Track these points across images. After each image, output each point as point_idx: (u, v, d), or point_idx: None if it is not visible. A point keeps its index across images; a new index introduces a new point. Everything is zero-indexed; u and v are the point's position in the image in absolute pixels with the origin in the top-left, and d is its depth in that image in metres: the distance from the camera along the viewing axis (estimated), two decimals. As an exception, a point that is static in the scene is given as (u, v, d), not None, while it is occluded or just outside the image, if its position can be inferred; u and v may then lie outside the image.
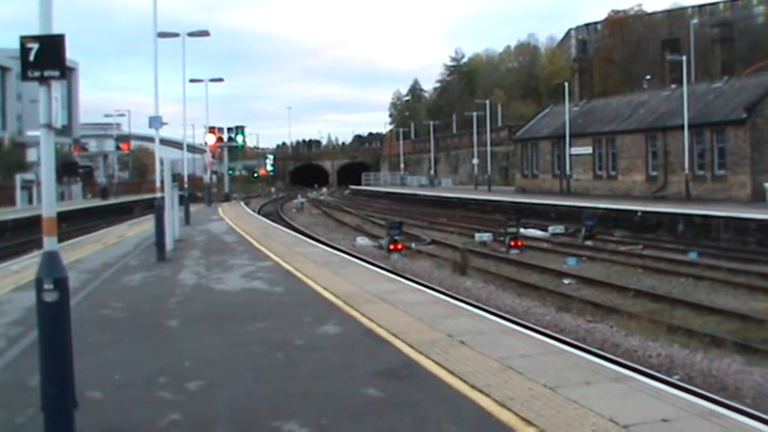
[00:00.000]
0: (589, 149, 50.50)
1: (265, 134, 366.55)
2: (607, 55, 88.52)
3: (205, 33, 31.50)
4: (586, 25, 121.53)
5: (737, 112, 38.26)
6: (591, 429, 5.69)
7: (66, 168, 61.35)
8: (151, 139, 26.46)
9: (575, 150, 51.36)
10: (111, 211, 52.11)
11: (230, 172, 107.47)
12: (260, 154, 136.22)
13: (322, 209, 57.83)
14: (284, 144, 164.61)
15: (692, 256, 23.25)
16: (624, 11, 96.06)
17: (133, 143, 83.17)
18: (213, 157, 60.10)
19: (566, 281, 19.29)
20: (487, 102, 73.20)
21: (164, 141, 25.58)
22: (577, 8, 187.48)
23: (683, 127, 39.55)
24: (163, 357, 8.52)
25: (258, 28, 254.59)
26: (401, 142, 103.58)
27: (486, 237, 28.23)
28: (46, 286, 5.36)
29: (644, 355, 11.56)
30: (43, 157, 5.72)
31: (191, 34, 31.30)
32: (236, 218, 37.30)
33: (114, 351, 8.92)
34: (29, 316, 9.77)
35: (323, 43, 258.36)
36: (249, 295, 13.09)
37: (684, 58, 42.77)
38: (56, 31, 5.56)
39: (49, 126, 5.56)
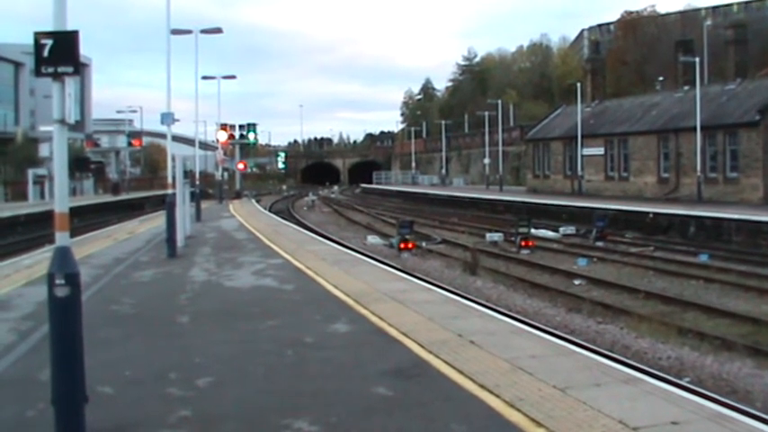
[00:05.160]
0: (601, 150, 50.35)
1: (277, 131, 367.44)
2: (620, 56, 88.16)
3: (218, 30, 31.52)
4: (599, 26, 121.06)
5: (750, 114, 38.04)
6: (600, 431, 5.68)
7: (79, 164, 61.57)
8: (163, 136, 26.56)
9: (586, 151, 51.21)
10: (123, 207, 52.33)
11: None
12: (271, 152, 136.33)
13: (333, 207, 57.87)
14: (296, 142, 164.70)
15: (704, 258, 23.14)
16: (637, 12, 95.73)
17: (145, 139, 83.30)
18: (225, 154, 60.13)
19: (576, 282, 19.25)
20: (499, 101, 73.01)
21: (175, 138, 25.64)
22: (590, 9, 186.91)
23: (695, 129, 39.36)
24: (173, 354, 8.55)
25: (272, 24, 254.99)
26: (413, 141, 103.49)
27: (497, 237, 28.18)
28: (57, 281, 5.39)
29: (654, 357, 11.52)
30: (56, 152, 5.74)
31: (203, 31, 31.31)
32: (247, 215, 37.38)
33: (125, 347, 8.95)
34: (40, 311, 9.81)
35: (337, 40, 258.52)
36: (259, 292, 13.11)
37: (697, 59, 42.55)
38: (70, 26, 5.58)
39: (62, 122, 5.58)
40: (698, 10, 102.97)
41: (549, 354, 8.17)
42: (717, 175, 39.99)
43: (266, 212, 42.80)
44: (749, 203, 35.86)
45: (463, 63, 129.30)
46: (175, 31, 26.46)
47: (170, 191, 20.28)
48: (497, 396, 6.58)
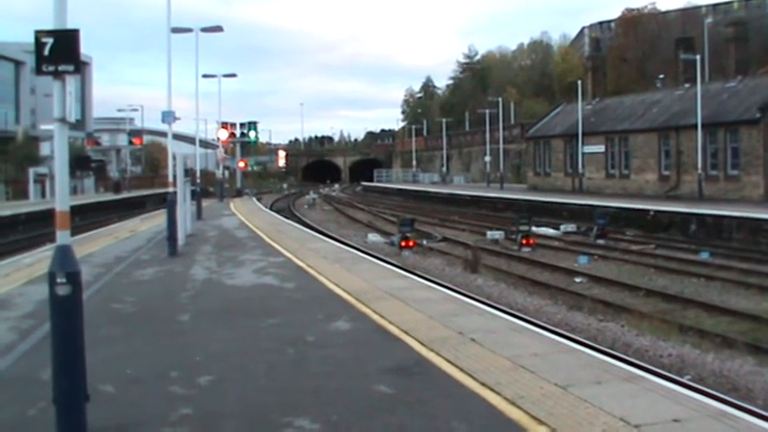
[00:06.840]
0: (602, 148, 50.35)
1: (278, 130, 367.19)
2: (620, 53, 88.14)
3: (218, 29, 31.45)
4: (600, 23, 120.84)
5: (751, 111, 38.02)
6: (602, 429, 5.67)
7: (79, 162, 61.45)
8: (164, 134, 26.55)
9: (587, 149, 51.23)
10: (124, 206, 52.27)
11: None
12: (272, 150, 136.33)
13: (334, 205, 57.86)
14: (296, 140, 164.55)
15: (704, 256, 23.13)
16: (638, 9, 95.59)
17: (146, 138, 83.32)
18: (225, 152, 60.14)
19: (577, 279, 19.24)
20: (500, 99, 72.93)
21: (176, 136, 25.65)
22: (591, 6, 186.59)
23: (696, 126, 39.35)
24: (174, 352, 8.55)
25: (274, 23, 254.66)
26: (413, 139, 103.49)
27: (498, 235, 28.19)
28: (59, 280, 5.39)
29: (655, 354, 11.52)
30: (57, 151, 5.74)
31: (204, 30, 31.24)
32: (248, 213, 37.36)
33: (126, 345, 8.95)
34: (41, 309, 9.82)
35: (338, 38, 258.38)
36: (261, 291, 13.11)
37: (698, 56, 42.54)
38: (70, 25, 5.58)
39: (62, 120, 5.58)
40: (698, 7, 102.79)
41: (550, 351, 8.17)
42: (718, 173, 39.96)
43: (267, 211, 42.78)
44: (750, 201, 35.83)
45: (464, 61, 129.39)
46: (176, 30, 26.41)
47: (171, 189, 20.29)
48: (498, 394, 6.58)
